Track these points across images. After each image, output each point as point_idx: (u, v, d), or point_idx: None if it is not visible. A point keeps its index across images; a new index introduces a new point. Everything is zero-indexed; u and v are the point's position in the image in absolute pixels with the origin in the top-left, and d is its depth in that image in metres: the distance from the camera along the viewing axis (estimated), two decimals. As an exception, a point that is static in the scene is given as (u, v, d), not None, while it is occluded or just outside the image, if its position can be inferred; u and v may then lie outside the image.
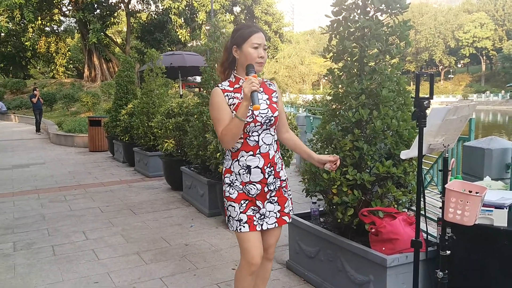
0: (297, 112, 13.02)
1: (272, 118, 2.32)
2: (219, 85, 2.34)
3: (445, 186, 1.95)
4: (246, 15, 38.92)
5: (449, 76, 77.61)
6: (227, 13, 34.46)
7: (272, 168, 2.36)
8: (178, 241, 4.44)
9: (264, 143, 2.32)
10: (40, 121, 17.61)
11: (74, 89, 25.46)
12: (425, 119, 1.83)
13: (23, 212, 5.75)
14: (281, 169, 2.44)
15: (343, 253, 2.99)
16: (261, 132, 2.31)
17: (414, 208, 3.15)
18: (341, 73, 3.17)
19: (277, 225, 2.41)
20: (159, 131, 6.88)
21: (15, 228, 5.01)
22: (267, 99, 2.36)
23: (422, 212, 2.21)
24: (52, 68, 43.04)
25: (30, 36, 29.79)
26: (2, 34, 29.66)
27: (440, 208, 2.15)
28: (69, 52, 41.37)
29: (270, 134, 2.35)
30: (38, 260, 4.01)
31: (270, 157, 2.34)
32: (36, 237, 4.69)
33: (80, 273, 3.70)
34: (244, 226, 2.30)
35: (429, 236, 3.02)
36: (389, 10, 2.97)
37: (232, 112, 2.26)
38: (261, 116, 2.28)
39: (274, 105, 2.36)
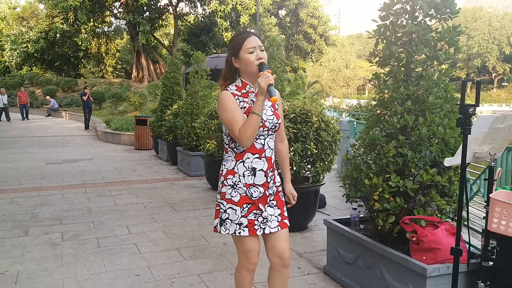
0: (340, 116, 12.87)
1: (277, 124, 2.38)
2: (228, 88, 2.36)
3: (490, 195, 1.89)
4: (292, 18, 38.87)
5: (503, 84, 74.21)
6: (272, 16, 34.55)
7: (272, 173, 2.41)
8: (217, 240, 4.51)
9: (269, 147, 2.38)
10: (89, 119, 18.32)
11: (122, 89, 26.35)
12: (470, 126, 1.78)
13: (71, 204, 6.01)
14: (277, 175, 2.50)
15: (383, 260, 2.94)
16: (267, 137, 2.36)
17: (458, 218, 3.06)
18: (387, 78, 3.13)
19: (280, 229, 2.40)
20: (202, 132, 7.01)
21: (63, 220, 5.26)
22: (271, 105, 2.40)
23: (466, 222, 2.14)
24: (102, 68, 44.75)
25: (83, 37, 31.09)
26: (58, 35, 31.10)
27: (483, 218, 2.08)
28: (118, 53, 42.89)
29: (273, 139, 2.42)
30: (83, 251, 4.19)
31: (272, 162, 2.41)
32: (82, 229, 4.90)
33: (123, 265, 3.83)
34: (243, 230, 2.32)
35: (473, 249, 2.92)
36: (438, 15, 2.91)
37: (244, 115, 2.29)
38: (269, 122, 2.33)
39: (277, 112, 2.41)
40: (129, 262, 3.90)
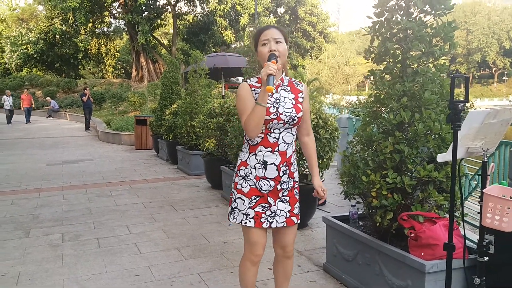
0: (340, 113, 12.87)
1: (296, 118, 2.35)
2: (247, 80, 2.41)
3: (483, 191, 1.89)
4: (290, 16, 38.82)
5: (503, 78, 74.06)
6: (271, 14, 34.51)
7: (287, 167, 2.40)
8: (217, 239, 4.52)
9: (284, 141, 2.36)
10: (90, 120, 18.33)
11: (122, 89, 26.34)
12: (460, 122, 1.79)
13: (72, 205, 6.03)
14: (296, 170, 2.48)
15: (381, 257, 2.94)
16: (283, 131, 2.35)
17: (456, 214, 3.06)
18: (382, 75, 3.13)
19: (285, 225, 2.43)
20: (201, 131, 7.01)
21: (64, 220, 5.27)
22: (293, 98, 2.39)
23: (465, 217, 2.14)
24: (102, 68, 44.78)
25: (83, 38, 31.13)
26: (57, 36, 31.12)
27: (478, 213, 2.08)
28: (117, 53, 42.90)
29: (291, 133, 2.39)
30: (84, 252, 4.20)
31: (287, 156, 2.39)
32: (83, 229, 4.91)
33: (123, 265, 3.85)
34: (250, 221, 2.36)
35: (473, 244, 2.92)
36: (433, 11, 2.91)
37: None
38: (285, 115, 2.31)
39: (300, 106, 2.39)
40: (130, 262, 3.91)
